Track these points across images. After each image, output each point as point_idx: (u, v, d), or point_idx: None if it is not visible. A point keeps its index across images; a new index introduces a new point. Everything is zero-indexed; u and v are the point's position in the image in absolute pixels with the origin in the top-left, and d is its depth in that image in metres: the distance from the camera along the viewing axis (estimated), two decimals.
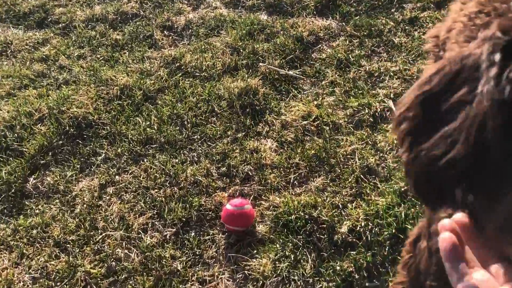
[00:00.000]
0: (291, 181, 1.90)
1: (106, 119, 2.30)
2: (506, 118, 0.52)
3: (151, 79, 2.51)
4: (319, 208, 1.73)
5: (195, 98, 2.35)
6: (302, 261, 1.59)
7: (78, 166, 2.11)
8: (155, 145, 2.13)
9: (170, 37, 2.87)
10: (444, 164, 0.56)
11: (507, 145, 0.52)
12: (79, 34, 2.98)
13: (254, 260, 1.62)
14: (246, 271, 1.59)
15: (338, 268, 1.54)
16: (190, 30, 2.91)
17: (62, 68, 2.72)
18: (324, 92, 2.30)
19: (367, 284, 1.50)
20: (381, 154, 1.93)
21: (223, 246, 1.69)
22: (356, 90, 2.26)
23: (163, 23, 2.96)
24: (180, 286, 1.57)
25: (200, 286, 1.58)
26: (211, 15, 3.00)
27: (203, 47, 2.71)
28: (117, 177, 2.02)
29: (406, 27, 2.61)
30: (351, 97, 2.22)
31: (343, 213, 1.72)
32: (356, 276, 1.51)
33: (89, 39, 2.93)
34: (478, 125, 0.54)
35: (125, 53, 2.78)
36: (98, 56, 2.77)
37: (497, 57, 0.55)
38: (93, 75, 2.59)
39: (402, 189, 1.74)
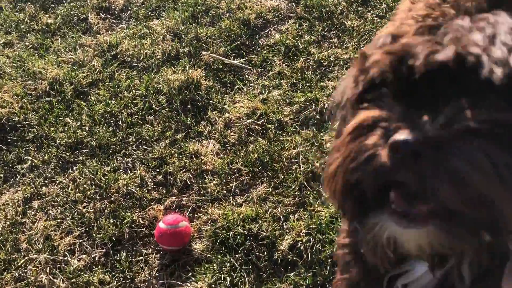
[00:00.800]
0: (232, 189, 1.77)
1: (33, 120, 2.09)
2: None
3: (83, 71, 2.29)
4: (260, 221, 1.62)
5: (131, 93, 2.16)
6: (239, 283, 1.48)
7: (2, 175, 1.92)
8: (85, 150, 1.95)
9: (107, 20, 2.62)
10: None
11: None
12: (5, 18, 2.70)
13: (189, 284, 1.51)
14: None
15: None
16: (129, 12, 2.66)
17: None
18: (271, 85, 2.14)
19: None
20: (326, 157, 1.80)
21: (156, 268, 1.57)
22: (304, 82, 2.11)
23: (100, 3, 2.70)
24: None
25: None
26: None
27: (142, 31, 2.49)
28: (43, 188, 1.85)
29: (359, 8, 2.44)
30: (298, 91, 2.07)
31: (284, 226, 1.61)
32: None
33: (17, 22, 2.65)
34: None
35: (57, 39, 2.52)
36: (27, 43, 2.51)
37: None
38: (20, 67, 2.34)
39: None
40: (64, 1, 2.78)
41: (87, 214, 1.72)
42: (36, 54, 2.44)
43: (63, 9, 2.71)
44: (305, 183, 1.73)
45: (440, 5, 1.01)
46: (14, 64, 2.37)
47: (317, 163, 1.78)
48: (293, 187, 1.73)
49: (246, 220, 1.63)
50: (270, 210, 1.67)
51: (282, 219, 1.63)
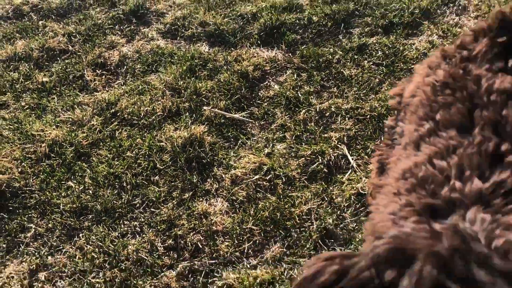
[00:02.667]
0: (245, 250, 1.74)
1: (35, 185, 2.04)
2: None
3: (83, 131, 2.26)
4: (277, 285, 1.58)
5: (133, 152, 2.13)
6: None
7: (4, 245, 1.85)
8: (91, 216, 1.91)
9: (103, 76, 2.62)
10: None
11: None
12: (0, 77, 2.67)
13: None
14: None
15: None
16: (125, 67, 2.67)
17: None
18: (274, 138, 2.14)
19: None
20: (338, 212, 1.80)
21: None
22: (308, 134, 2.12)
23: (95, 60, 2.70)
24: None
25: None
26: (148, 47, 2.77)
27: (140, 87, 2.49)
28: (49, 258, 1.79)
29: (355, 56, 2.48)
30: (303, 144, 2.07)
31: None
32: None
33: (11, 83, 2.63)
34: None
35: (54, 98, 2.51)
36: (23, 103, 2.49)
37: None
38: (18, 129, 2.31)
39: None
40: (58, 58, 2.78)
41: (97, 285, 1.67)
42: (33, 115, 2.41)
43: (58, 67, 2.70)
44: (319, 241, 1.70)
45: (462, 78, 1.03)
46: (11, 127, 2.34)
47: (330, 219, 1.76)
48: (308, 245, 1.71)
49: (263, 285, 1.59)
50: (286, 272, 1.64)
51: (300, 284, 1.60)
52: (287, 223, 1.78)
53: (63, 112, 2.41)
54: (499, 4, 2.63)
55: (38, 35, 2.97)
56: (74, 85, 2.58)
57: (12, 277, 1.75)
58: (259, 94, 2.38)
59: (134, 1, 3.08)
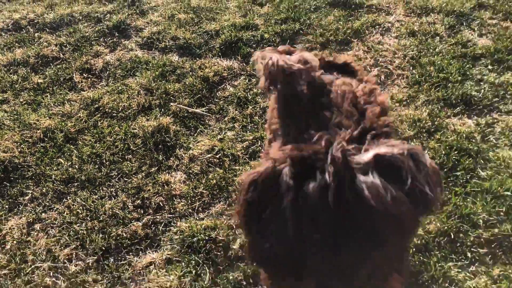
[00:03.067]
0: (196, 207, 2.26)
1: (31, 161, 2.55)
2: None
3: (71, 121, 2.79)
4: (217, 230, 2.11)
5: (112, 137, 2.66)
6: (202, 274, 1.95)
7: (7, 206, 2.35)
8: (76, 183, 2.42)
9: (89, 79, 3.15)
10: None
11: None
12: (1, 79, 3.19)
13: (163, 277, 1.96)
14: (157, 286, 1.93)
15: (231, 277, 1.92)
16: (107, 72, 3.20)
17: None
18: (226, 127, 2.69)
19: None
20: None
21: (137, 269, 2.02)
22: (252, 124, 2.67)
23: (82, 66, 3.24)
24: None
25: None
26: (127, 56, 3.32)
27: (120, 88, 3.02)
28: (43, 214, 2.29)
29: None
30: (247, 131, 2.62)
31: (236, 232, 2.11)
32: (244, 283, 1.90)
33: (11, 83, 3.14)
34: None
35: (47, 96, 3.03)
36: (21, 100, 3.00)
37: (291, 183, 0.96)
38: (17, 119, 2.82)
39: None
40: (51, 64, 3.31)
41: (80, 231, 2.17)
42: (30, 109, 2.92)
43: (51, 71, 3.23)
44: None
45: None
46: (11, 117, 2.85)
47: None
48: None
49: (207, 229, 2.11)
50: (225, 221, 2.16)
51: (234, 228, 2.12)
52: (229, 188, 2.32)
53: (54, 106, 2.93)
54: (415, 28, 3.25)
55: (34, 45, 3.50)
56: (64, 86, 3.10)
57: (14, 228, 2.24)
58: (217, 94, 2.94)
59: (117, 18, 3.64)
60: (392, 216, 0.89)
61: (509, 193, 2.08)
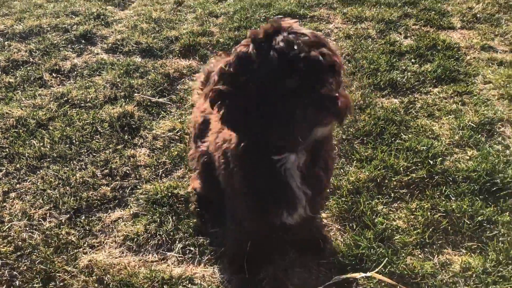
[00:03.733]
0: (160, 174, 2.54)
1: (5, 144, 2.77)
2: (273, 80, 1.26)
3: (43, 111, 3.03)
4: (178, 189, 2.39)
5: (81, 123, 2.92)
6: (165, 222, 2.21)
7: None
8: (49, 159, 2.65)
9: (58, 78, 3.42)
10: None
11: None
12: None
13: (131, 227, 2.21)
14: (125, 234, 2.17)
15: (191, 224, 2.19)
16: (75, 72, 3.49)
17: None
18: (186, 113, 3.01)
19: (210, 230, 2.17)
20: None
21: (107, 223, 2.26)
22: None
23: (51, 67, 3.51)
24: (75, 250, 2.10)
25: (91, 249, 2.12)
26: (94, 59, 3.62)
27: (87, 84, 3.31)
28: (17, 185, 2.50)
29: None
30: None
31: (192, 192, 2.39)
32: (203, 226, 2.18)
33: None
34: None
35: (18, 92, 3.26)
36: None
37: (264, 54, 1.29)
38: None
39: None
40: (21, 67, 3.56)
41: (53, 195, 2.40)
42: (2, 102, 3.15)
43: (21, 72, 3.48)
44: None
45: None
46: None
47: None
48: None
49: (169, 188, 2.39)
50: (186, 182, 2.45)
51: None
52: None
53: (26, 100, 3.17)
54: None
55: (4, 51, 3.75)
56: (35, 84, 3.36)
57: None
58: (177, 87, 3.27)
59: (83, 28, 3.96)
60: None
61: (424, 147, 2.48)
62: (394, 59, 3.36)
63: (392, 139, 2.61)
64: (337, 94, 1.25)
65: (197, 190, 2.25)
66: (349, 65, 3.34)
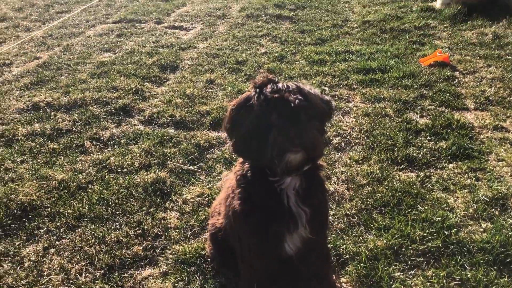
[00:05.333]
0: (188, 236, 2.71)
1: (47, 204, 3.00)
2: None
3: (83, 175, 3.29)
4: (206, 249, 2.54)
5: (117, 186, 3.15)
6: (193, 281, 2.35)
7: (24, 237, 2.75)
8: (87, 219, 2.86)
9: (98, 146, 3.73)
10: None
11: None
12: (21, 145, 3.74)
13: (161, 284, 2.35)
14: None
15: (217, 283, 2.32)
16: (113, 141, 3.79)
17: (7, 170, 3.42)
18: (214, 180, 3.22)
19: None
20: None
21: (138, 280, 2.41)
22: None
23: (92, 136, 3.83)
24: None
25: None
26: (131, 130, 3.94)
27: (124, 152, 3.59)
28: (57, 242, 2.70)
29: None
30: None
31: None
32: (227, 287, 2.30)
33: (30, 148, 3.69)
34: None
35: (61, 158, 3.56)
36: (39, 160, 3.53)
37: (258, 97, 1.66)
38: (35, 174, 3.32)
39: None
40: (64, 135, 3.90)
41: (90, 252, 2.58)
42: (46, 166, 3.44)
43: (65, 140, 3.80)
44: None
45: None
46: (30, 173, 3.35)
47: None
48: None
49: (197, 249, 2.54)
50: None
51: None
52: None
53: (68, 165, 3.45)
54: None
55: (50, 121, 4.11)
56: (76, 150, 3.66)
57: (31, 252, 2.63)
58: (207, 156, 3.52)
59: (123, 102, 4.34)
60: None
61: (439, 219, 2.61)
62: (411, 136, 3.57)
63: (409, 210, 2.74)
64: (304, 131, 1.57)
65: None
66: (368, 140, 3.56)
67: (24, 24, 7.36)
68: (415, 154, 3.33)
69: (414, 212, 2.72)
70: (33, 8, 8.22)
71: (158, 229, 2.76)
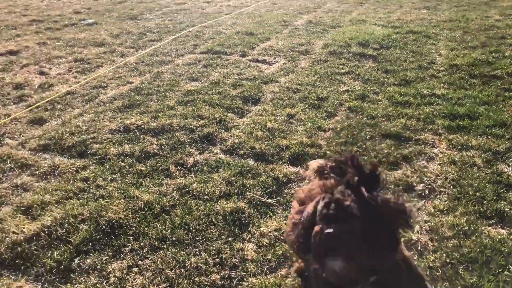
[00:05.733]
0: (265, 270, 2.72)
1: (133, 223, 3.16)
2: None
3: (167, 198, 3.44)
4: (282, 286, 2.54)
5: (199, 212, 3.26)
6: None
7: (111, 254, 2.91)
8: (169, 242, 2.97)
9: (182, 171, 3.88)
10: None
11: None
12: (111, 164, 3.99)
13: None
14: None
15: None
16: (196, 167, 3.94)
17: (99, 187, 3.65)
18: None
19: None
20: None
21: None
22: None
23: (177, 161, 4.01)
24: None
25: None
26: (213, 158, 4.07)
27: (206, 179, 3.71)
28: (140, 261, 2.82)
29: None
30: None
31: None
32: None
33: (119, 168, 3.93)
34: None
35: (147, 179, 3.75)
36: (127, 180, 3.74)
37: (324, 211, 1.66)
38: (123, 193, 3.52)
39: None
40: (151, 158, 4.11)
41: (170, 275, 2.67)
42: (133, 186, 3.63)
43: (152, 162, 4.01)
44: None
45: None
46: (119, 191, 3.55)
47: None
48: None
49: (273, 285, 2.55)
50: (289, 282, 2.59)
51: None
52: (294, 259, 2.78)
53: (153, 187, 3.62)
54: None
55: (139, 143, 4.36)
56: (162, 174, 3.84)
57: (116, 269, 2.77)
58: (284, 191, 3.55)
59: (207, 130, 4.51)
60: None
61: None
62: (502, 190, 3.38)
63: (500, 270, 2.58)
64: None
65: None
66: (454, 190, 3.42)
67: (119, 49, 7.93)
68: (506, 209, 3.14)
69: (505, 273, 2.55)
70: (129, 35, 8.85)
71: (235, 259, 2.81)
